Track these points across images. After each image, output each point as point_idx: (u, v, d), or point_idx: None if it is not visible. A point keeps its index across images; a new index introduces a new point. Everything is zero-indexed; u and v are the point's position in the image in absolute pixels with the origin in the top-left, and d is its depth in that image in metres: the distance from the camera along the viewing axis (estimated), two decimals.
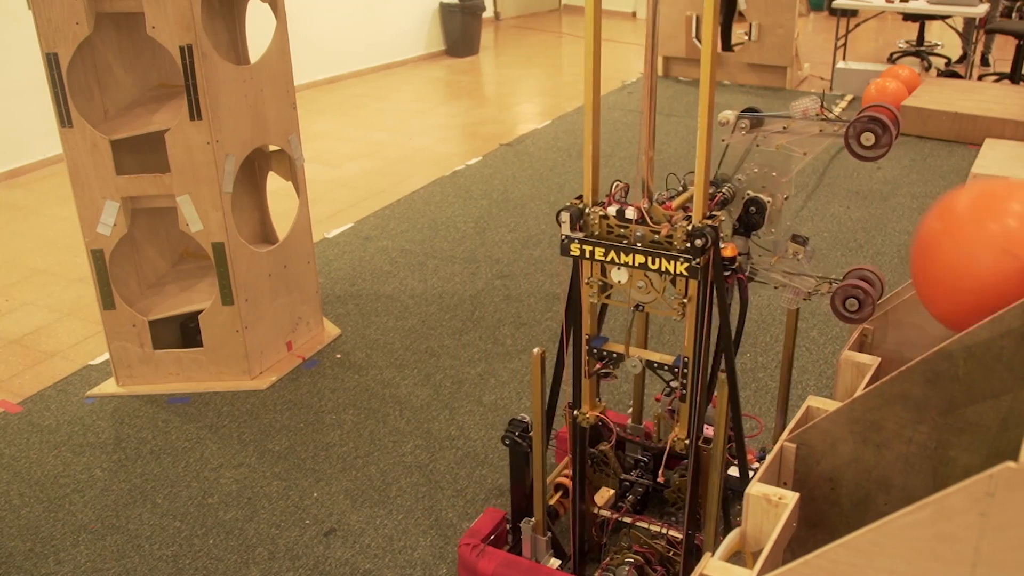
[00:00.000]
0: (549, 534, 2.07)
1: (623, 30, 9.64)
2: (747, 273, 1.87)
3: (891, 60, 7.56)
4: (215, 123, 2.63)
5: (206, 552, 2.25)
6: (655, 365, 1.82)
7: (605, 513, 2.10)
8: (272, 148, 3.06)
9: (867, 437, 1.34)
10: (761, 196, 1.82)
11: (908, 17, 7.44)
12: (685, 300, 1.70)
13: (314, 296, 3.20)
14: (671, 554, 1.95)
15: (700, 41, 6.94)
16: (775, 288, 1.88)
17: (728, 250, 1.71)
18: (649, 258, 1.67)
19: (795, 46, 6.74)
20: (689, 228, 1.63)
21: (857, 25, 8.17)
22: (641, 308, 1.77)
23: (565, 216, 1.73)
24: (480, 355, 3.11)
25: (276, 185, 3.24)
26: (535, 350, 1.85)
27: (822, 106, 1.74)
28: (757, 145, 1.79)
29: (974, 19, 6.65)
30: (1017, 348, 1.20)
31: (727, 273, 1.72)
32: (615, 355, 1.85)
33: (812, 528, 1.43)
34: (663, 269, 1.67)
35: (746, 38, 6.75)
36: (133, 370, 2.92)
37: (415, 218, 4.34)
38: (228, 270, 2.79)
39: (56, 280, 3.76)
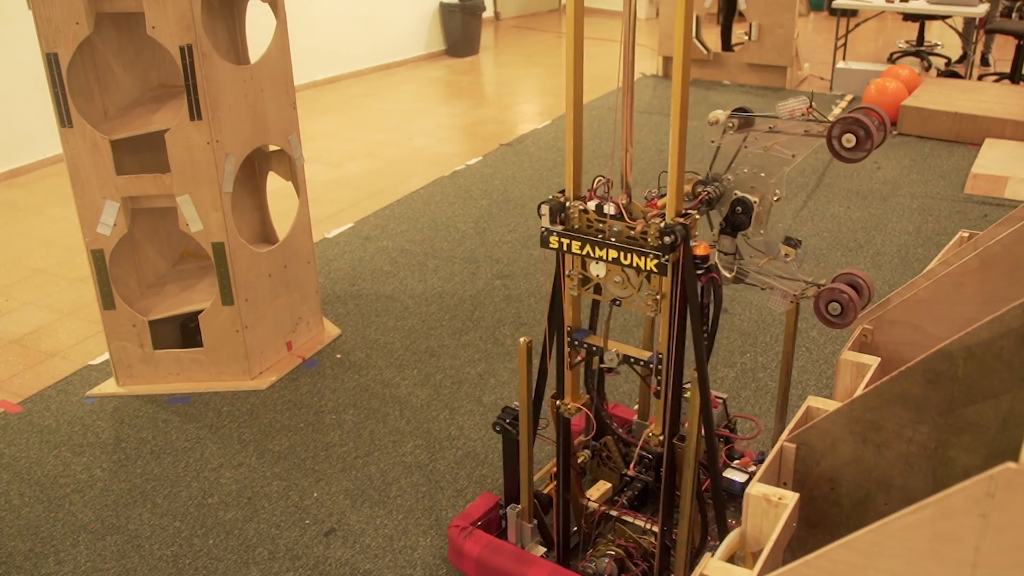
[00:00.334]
0: (535, 521, 2.08)
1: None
2: (735, 273, 1.87)
3: (891, 60, 7.56)
4: (215, 123, 2.63)
5: (206, 552, 2.25)
6: (631, 360, 1.84)
7: (592, 505, 2.11)
8: (272, 148, 3.06)
9: (867, 437, 1.34)
10: (748, 196, 1.83)
11: (908, 17, 7.44)
12: (658, 296, 1.72)
13: (314, 296, 3.20)
14: (655, 550, 1.96)
15: (699, 40, 6.95)
16: (762, 290, 1.88)
17: (700, 248, 1.73)
18: (622, 253, 1.70)
19: (795, 46, 6.74)
20: (661, 225, 1.66)
21: (857, 25, 8.17)
22: (618, 303, 1.80)
23: (545, 209, 1.76)
24: (480, 355, 3.11)
25: (276, 185, 3.24)
26: (521, 340, 1.89)
27: (810, 107, 1.73)
28: (746, 147, 1.80)
29: (974, 19, 6.65)
30: (1017, 348, 1.20)
31: (700, 272, 1.73)
32: (595, 348, 1.87)
33: (812, 528, 1.43)
34: (635, 264, 1.69)
35: (746, 38, 6.75)
36: (133, 370, 2.92)
37: (415, 218, 4.34)
38: (228, 270, 2.79)
39: (56, 280, 3.76)
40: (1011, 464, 0.80)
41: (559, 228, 1.78)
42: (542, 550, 2.10)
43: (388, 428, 2.73)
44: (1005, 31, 6.38)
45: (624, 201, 1.75)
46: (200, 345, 2.92)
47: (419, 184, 4.83)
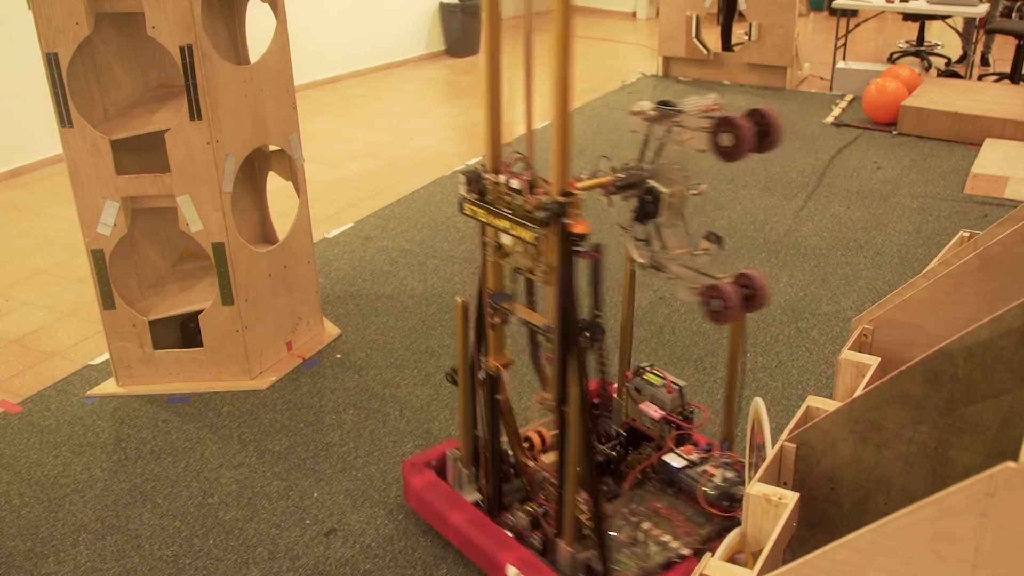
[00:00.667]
0: (474, 469, 2.23)
1: (623, 30, 9.64)
2: (650, 261, 1.98)
3: (891, 60, 7.56)
4: (215, 123, 2.63)
5: (206, 552, 2.25)
6: (534, 328, 1.97)
7: (530, 463, 2.17)
8: (272, 148, 3.06)
9: (867, 437, 1.34)
10: (658, 186, 1.90)
11: (908, 17, 7.44)
12: (547, 268, 1.82)
13: (314, 296, 3.20)
14: (582, 516, 2.00)
15: (699, 40, 6.95)
16: (669, 279, 1.96)
17: (578, 227, 1.80)
18: (512, 224, 1.84)
19: (795, 46, 6.74)
20: (542, 201, 1.78)
21: (857, 25, 8.17)
22: (520, 271, 1.93)
23: (462, 178, 1.93)
24: None
25: (276, 185, 3.24)
26: (457, 299, 2.09)
27: (716, 104, 1.79)
28: (668, 139, 1.87)
29: (974, 19, 6.65)
30: (1017, 348, 1.20)
31: (579, 249, 1.80)
32: (507, 310, 2.01)
33: (812, 528, 1.43)
34: (518, 235, 1.83)
35: (746, 38, 6.75)
36: (133, 370, 2.92)
37: (415, 218, 4.34)
38: (228, 270, 2.79)
39: (56, 280, 3.76)
40: (1011, 464, 0.80)
41: (473, 197, 1.95)
42: (477, 496, 2.22)
43: (388, 428, 2.73)
44: (1005, 31, 6.38)
45: (528, 177, 1.87)
46: (200, 345, 2.92)
47: (419, 184, 4.83)
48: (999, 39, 8.04)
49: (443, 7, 8.20)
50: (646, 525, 2.09)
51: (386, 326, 3.32)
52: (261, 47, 2.85)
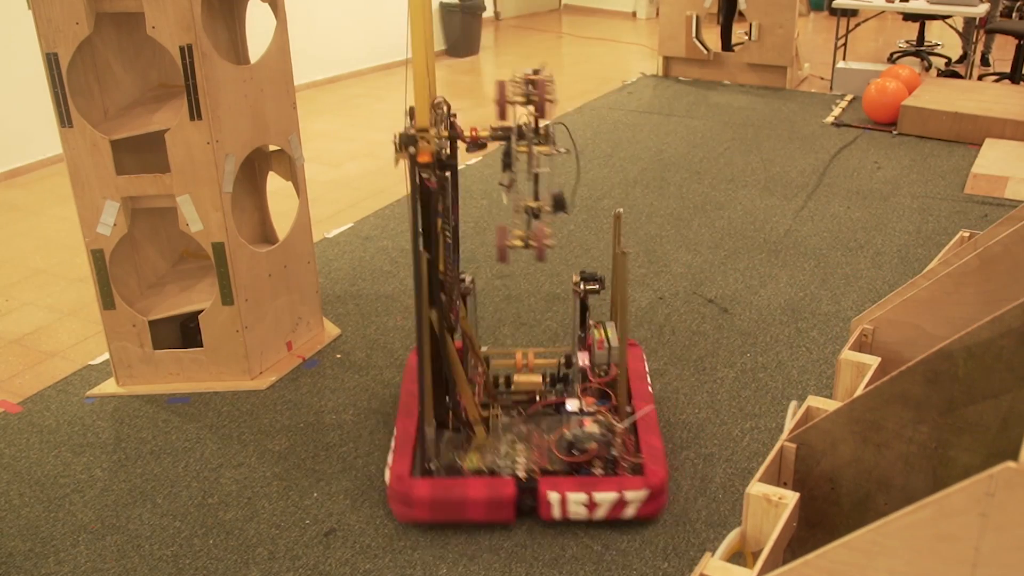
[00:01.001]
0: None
1: (623, 30, 9.65)
2: (509, 201, 2.27)
3: (891, 60, 7.56)
4: (215, 123, 2.63)
5: (206, 552, 2.25)
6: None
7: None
8: (272, 148, 3.06)
9: (867, 437, 1.34)
10: (513, 144, 2.25)
11: (908, 17, 7.44)
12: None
13: (314, 296, 3.20)
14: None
15: (699, 40, 6.95)
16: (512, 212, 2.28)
17: (421, 156, 2.15)
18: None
19: (795, 46, 6.74)
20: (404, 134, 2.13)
21: (857, 25, 8.17)
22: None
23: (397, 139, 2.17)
24: None
25: (276, 185, 3.25)
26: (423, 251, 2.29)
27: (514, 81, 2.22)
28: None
29: (974, 19, 6.65)
30: (1017, 348, 1.20)
31: (426, 175, 2.17)
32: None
33: (812, 528, 1.43)
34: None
35: (746, 38, 6.75)
36: (133, 370, 2.92)
37: None
38: (228, 270, 2.79)
39: (56, 280, 3.76)
40: (1011, 464, 0.80)
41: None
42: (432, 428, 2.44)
43: (388, 428, 2.73)
44: (1005, 31, 6.39)
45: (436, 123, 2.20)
46: (200, 345, 2.92)
47: None
48: (999, 39, 8.04)
49: (443, 7, 8.20)
50: (518, 445, 2.42)
51: (386, 326, 3.32)
52: (261, 47, 2.85)
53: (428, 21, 2.13)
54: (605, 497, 2.26)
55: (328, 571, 2.18)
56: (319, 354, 3.14)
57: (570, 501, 2.26)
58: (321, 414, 2.80)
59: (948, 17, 7.01)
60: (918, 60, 7.47)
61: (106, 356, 3.12)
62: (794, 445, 1.40)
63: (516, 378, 2.60)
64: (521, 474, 2.32)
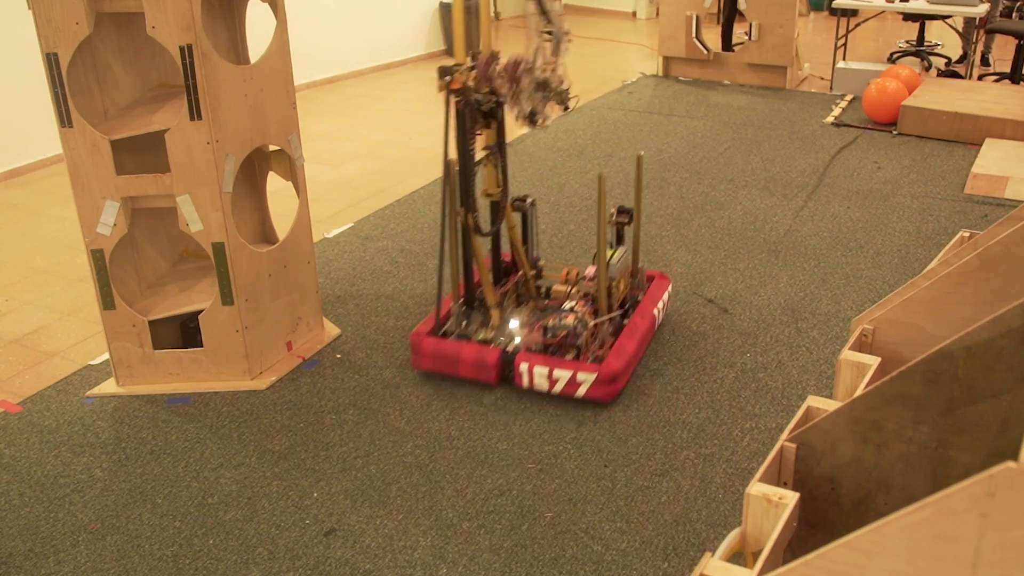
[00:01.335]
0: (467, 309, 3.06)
1: (623, 30, 9.65)
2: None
3: (891, 60, 7.56)
4: (215, 123, 2.63)
5: (206, 552, 2.25)
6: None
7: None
8: (272, 148, 3.06)
9: (867, 437, 1.34)
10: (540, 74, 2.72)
11: (908, 17, 7.44)
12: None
13: (314, 296, 3.20)
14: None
15: (699, 40, 6.95)
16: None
17: (454, 84, 2.69)
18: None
19: (795, 46, 6.74)
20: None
21: (857, 25, 8.17)
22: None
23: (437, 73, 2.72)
24: None
25: (276, 185, 3.25)
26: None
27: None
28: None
29: (974, 19, 6.65)
30: (1017, 348, 1.20)
31: (458, 100, 2.74)
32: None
33: (812, 528, 1.43)
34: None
35: (746, 38, 6.75)
36: (133, 370, 2.92)
37: (415, 218, 4.34)
38: (228, 270, 2.79)
39: (56, 280, 3.76)
40: (1011, 464, 0.80)
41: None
42: (459, 304, 3.03)
43: (388, 428, 2.73)
44: (1005, 31, 6.39)
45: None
46: (200, 345, 2.92)
47: (419, 184, 4.84)
48: (999, 39, 8.04)
49: (443, 7, 8.20)
50: (520, 328, 2.96)
51: (386, 326, 3.32)
52: (261, 47, 2.85)
53: None
54: (562, 374, 2.76)
55: (328, 571, 2.18)
56: (319, 354, 3.14)
57: (536, 373, 2.79)
58: (321, 414, 2.80)
59: (948, 17, 7.01)
60: (918, 60, 7.47)
61: (106, 356, 3.12)
62: (794, 445, 1.40)
63: (555, 287, 3.15)
64: (509, 348, 2.87)
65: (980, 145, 5.26)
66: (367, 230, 4.22)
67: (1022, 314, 1.19)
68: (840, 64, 6.77)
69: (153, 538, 2.30)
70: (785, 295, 3.51)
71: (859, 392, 1.37)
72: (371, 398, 2.88)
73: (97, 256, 2.76)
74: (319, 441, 2.67)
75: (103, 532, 2.32)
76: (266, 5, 2.90)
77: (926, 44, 7.60)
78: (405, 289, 3.61)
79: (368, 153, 5.44)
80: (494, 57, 2.70)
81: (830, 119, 5.95)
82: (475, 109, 2.78)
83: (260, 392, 2.92)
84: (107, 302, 2.82)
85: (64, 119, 2.58)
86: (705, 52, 6.95)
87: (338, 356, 3.13)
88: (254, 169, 3.18)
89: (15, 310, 3.51)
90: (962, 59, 7.25)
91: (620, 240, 3.12)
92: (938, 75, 6.99)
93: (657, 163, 5.09)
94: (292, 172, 3.06)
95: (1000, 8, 6.79)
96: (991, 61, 7.41)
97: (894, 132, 5.61)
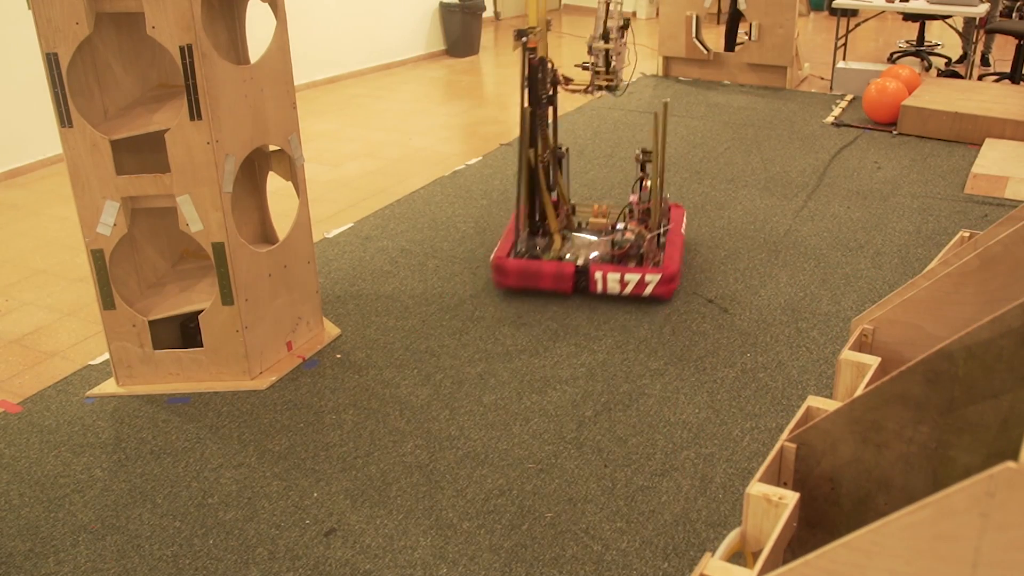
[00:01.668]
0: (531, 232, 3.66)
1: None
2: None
3: (891, 60, 7.56)
4: (215, 123, 2.63)
5: (206, 552, 2.25)
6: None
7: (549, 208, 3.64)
8: (272, 148, 3.06)
9: (867, 437, 1.34)
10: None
11: (908, 17, 7.44)
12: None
13: (314, 296, 3.20)
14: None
15: (699, 40, 6.95)
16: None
17: (531, 43, 3.33)
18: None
19: (795, 46, 6.74)
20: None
21: (857, 25, 8.17)
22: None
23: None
24: (480, 355, 3.11)
25: (276, 185, 3.25)
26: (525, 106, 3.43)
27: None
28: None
29: (974, 19, 6.65)
30: (1017, 348, 1.20)
31: (531, 57, 3.36)
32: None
33: (812, 528, 1.43)
34: None
35: (746, 38, 6.75)
36: (133, 370, 2.92)
37: (415, 218, 4.34)
38: (228, 270, 2.79)
39: (56, 280, 3.76)
40: (1011, 464, 0.80)
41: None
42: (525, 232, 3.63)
43: (388, 428, 2.73)
44: (1005, 31, 6.39)
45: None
46: (200, 345, 2.92)
47: (419, 184, 4.84)
48: (999, 39, 8.04)
49: (443, 7, 8.20)
50: (582, 249, 3.55)
51: (386, 326, 3.32)
52: (261, 47, 2.85)
53: None
54: (632, 277, 3.35)
55: (328, 571, 2.18)
56: (319, 354, 3.14)
57: (609, 279, 3.37)
58: (321, 414, 2.80)
59: (948, 17, 7.01)
60: (918, 60, 7.47)
61: (106, 356, 3.12)
62: (794, 445, 1.40)
63: (591, 220, 3.73)
64: (580, 262, 3.45)
65: (980, 145, 5.26)
66: (367, 230, 4.22)
67: (1022, 314, 1.19)
68: (840, 64, 6.77)
69: (153, 538, 2.30)
70: (785, 295, 3.51)
71: (859, 392, 1.37)
72: (371, 398, 2.88)
73: (97, 256, 2.76)
74: (319, 441, 2.67)
75: (103, 532, 2.32)
76: (266, 5, 2.90)
77: (926, 44, 7.60)
78: (405, 289, 3.61)
79: (368, 153, 5.44)
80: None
81: (830, 119, 5.95)
82: (543, 66, 3.41)
83: (260, 392, 2.92)
84: (107, 302, 2.82)
85: (64, 119, 2.58)
86: (705, 52, 6.95)
87: (338, 356, 3.13)
88: (254, 169, 3.18)
89: (15, 310, 3.51)
90: (962, 59, 7.24)
91: (643, 170, 3.68)
92: (938, 75, 6.99)
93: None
94: (292, 172, 3.06)
95: (1000, 8, 6.79)
96: (991, 61, 7.41)
97: (894, 132, 5.61)
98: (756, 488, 1.28)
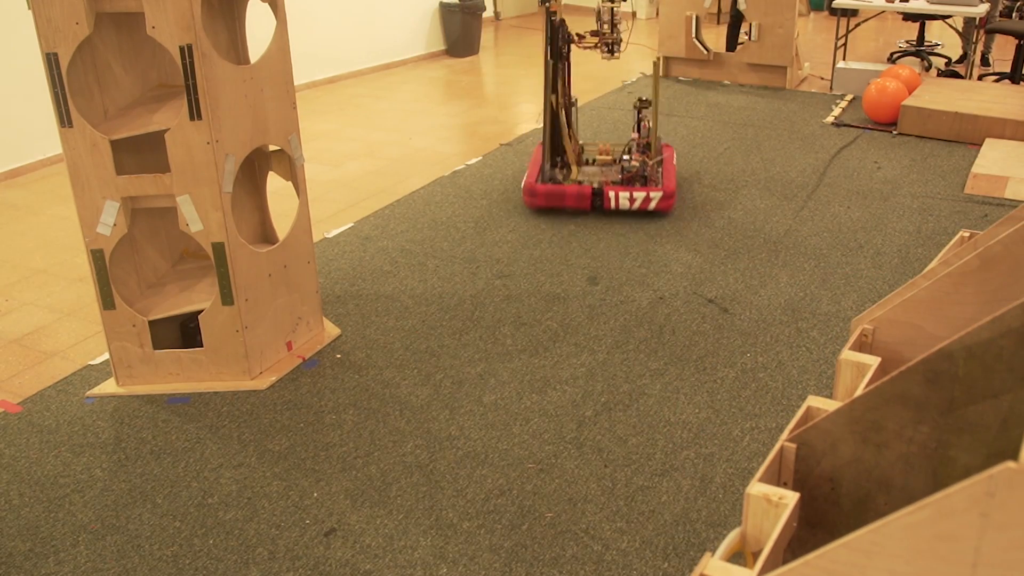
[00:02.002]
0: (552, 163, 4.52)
1: (623, 30, 9.63)
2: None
3: (891, 60, 7.56)
4: (215, 123, 2.63)
5: (206, 552, 2.25)
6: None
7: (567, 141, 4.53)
8: (272, 148, 3.06)
9: (867, 437, 1.34)
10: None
11: (908, 17, 7.44)
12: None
13: (314, 296, 3.20)
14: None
15: (699, 40, 6.95)
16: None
17: (553, 7, 4.05)
18: None
19: (795, 46, 6.74)
20: None
21: (857, 25, 8.17)
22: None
23: None
24: (480, 355, 3.11)
25: (276, 185, 3.25)
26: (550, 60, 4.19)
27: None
28: None
29: (974, 19, 6.65)
30: (1017, 348, 1.20)
31: (553, 20, 4.08)
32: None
33: (812, 528, 1.43)
34: None
35: (746, 38, 6.75)
36: (133, 370, 2.92)
37: (415, 218, 4.34)
38: (228, 270, 2.79)
39: (56, 280, 3.76)
40: (1011, 464, 0.80)
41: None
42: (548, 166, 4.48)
43: (388, 428, 2.73)
44: (1005, 31, 6.39)
45: None
46: (200, 345, 2.92)
47: (419, 184, 4.84)
48: (999, 39, 8.04)
49: (443, 7, 8.20)
50: (596, 176, 4.47)
51: (386, 326, 3.32)
52: (261, 47, 2.85)
53: None
54: (639, 195, 4.20)
55: (328, 571, 2.18)
56: (319, 354, 3.14)
57: (620, 198, 4.21)
58: (321, 414, 2.80)
59: (948, 17, 7.01)
60: (918, 60, 7.47)
61: (106, 356, 3.12)
62: (794, 445, 1.40)
63: (597, 156, 4.66)
64: (596, 185, 4.27)
65: (980, 145, 5.25)
66: (367, 230, 4.22)
67: (1022, 314, 1.19)
68: (840, 64, 6.77)
69: (153, 538, 2.30)
70: (785, 295, 3.51)
71: (859, 392, 1.37)
72: (371, 398, 2.88)
73: (97, 256, 2.76)
74: (319, 441, 2.67)
75: (103, 532, 2.32)
76: (266, 5, 2.90)
77: (926, 44, 7.60)
78: (405, 289, 3.61)
79: (368, 153, 5.44)
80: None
81: (830, 119, 5.95)
82: (563, 26, 4.15)
83: (260, 392, 2.92)
84: (107, 302, 2.82)
85: (64, 119, 2.58)
86: (705, 52, 6.95)
87: (338, 356, 3.13)
88: (254, 169, 3.18)
89: (15, 310, 3.51)
90: (962, 59, 7.24)
91: (640, 116, 4.40)
92: (938, 75, 6.98)
93: None
94: (292, 172, 3.06)
95: (1000, 8, 6.79)
96: (991, 61, 7.41)
97: (894, 132, 5.61)
98: (756, 488, 1.28)
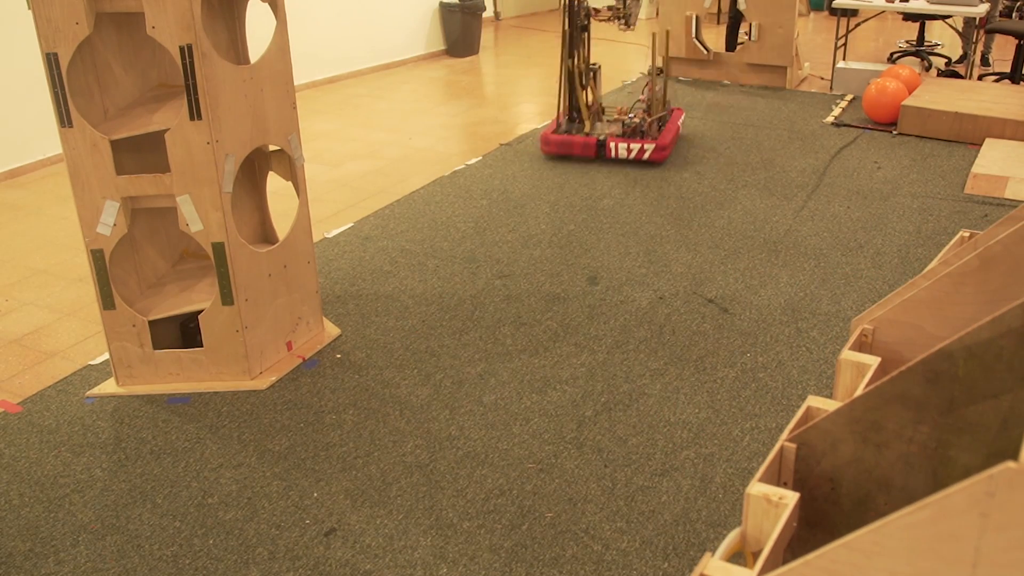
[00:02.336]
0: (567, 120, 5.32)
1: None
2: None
3: (891, 60, 7.56)
4: (215, 123, 2.63)
5: (206, 552, 2.25)
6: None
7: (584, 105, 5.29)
8: (272, 148, 3.06)
9: (867, 437, 1.34)
10: None
11: (908, 17, 7.44)
12: None
13: (314, 296, 3.20)
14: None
15: (699, 40, 6.95)
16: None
17: None
18: None
19: (795, 46, 6.74)
20: None
21: (857, 25, 8.17)
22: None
23: None
24: (480, 355, 3.11)
25: (276, 185, 3.25)
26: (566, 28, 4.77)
27: None
28: None
29: (974, 19, 6.65)
30: (1017, 348, 1.20)
31: None
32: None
33: (812, 528, 1.43)
34: None
35: (746, 38, 6.75)
36: (133, 370, 2.92)
37: (415, 218, 4.34)
38: (228, 270, 2.79)
39: (56, 280, 3.76)
40: (1011, 464, 0.80)
41: None
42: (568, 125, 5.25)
43: (388, 428, 2.73)
44: (1005, 31, 6.38)
45: None
46: (200, 345, 2.92)
47: (419, 184, 4.84)
48: (999, 39, 8.04)
49: (443, 7, 8.20)
50: (605, 129, 5.21)
51: (386, 326, 3.32)
52: (261, 47, 2.85)
53: None
54: (635, 146, 4.93)
55: (328, 571, 2.18)
56: (319, 354, 3.14)
57: (620, 148, 4.97)
58: (321, 414, 2.80)
59: (948, 17, 7.01)
60: (918, 60, 7.47)
61: (106, 356, 3.12)
62: (794, 445, 1.40)
63: (615, 117, 5.32)
64: (601, 137, 5.01)
65: (980, 145, 5.25)
66: (367, 230, 4.22)
67: (1022, 314, 1.19)
68: (840, 64, 6.76)
69: (153, 538, 2.30)
70: (785, 295, 3.52)
71: (859, 392, 1.37)
72: (371, 398, 2.88)
73: (97, 256, 2.76)
74: (319, 441, 2.67)
75: (103, 532, 2.32)
76: (266, 5, 2.90)
77: (926, 44, 7.60)
78: (405, 289, 3.61)
79: (368, 153, 5.44)
80: None
81: (830, 119, 5.95)
82: (583, 1, 4.93)
83: (260, 392, 2.92)
84: (107, 302, 2.82)
85: (64, 119, 2.58)
86: (705, 52, 6.95)
87: (338, 356, 3.13)
88: (254, 169, 3.18)
89: (15, 310, 3.51)
90: (962, 59, 7.24)
91: (646, 86, 5.17)
92: (938, 75, 6.98)
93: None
94: (292, 172, 3.07)
95: (1000, 8, 6.79)
96: (991, 61, 7.41)
97: (894, 132, 5.61)
98: (756, 488, 1.28)
